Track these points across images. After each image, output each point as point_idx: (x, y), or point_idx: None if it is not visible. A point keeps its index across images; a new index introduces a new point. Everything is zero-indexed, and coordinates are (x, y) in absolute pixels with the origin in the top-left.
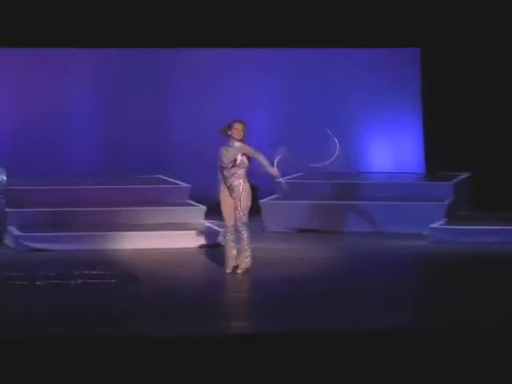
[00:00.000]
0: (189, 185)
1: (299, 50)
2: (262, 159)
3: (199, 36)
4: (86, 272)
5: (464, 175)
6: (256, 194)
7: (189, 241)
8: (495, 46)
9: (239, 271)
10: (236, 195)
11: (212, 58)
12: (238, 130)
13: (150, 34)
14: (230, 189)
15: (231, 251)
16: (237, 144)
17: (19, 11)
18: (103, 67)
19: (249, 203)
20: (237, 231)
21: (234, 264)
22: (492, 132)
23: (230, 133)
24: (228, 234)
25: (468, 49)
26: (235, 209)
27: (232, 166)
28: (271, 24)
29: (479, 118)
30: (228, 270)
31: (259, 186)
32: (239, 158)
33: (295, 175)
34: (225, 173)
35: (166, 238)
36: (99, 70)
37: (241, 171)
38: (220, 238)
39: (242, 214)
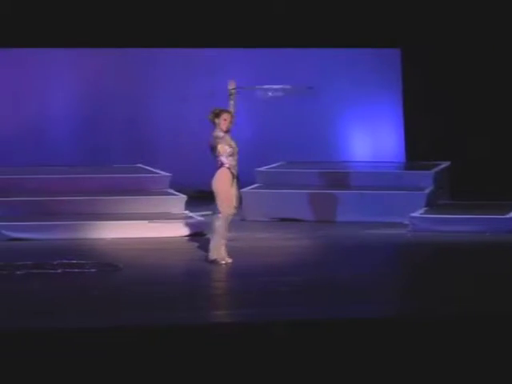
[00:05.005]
0: (169, 174)
1: (279, 50)
2: None
3: (169, 36)
4: (66, 261)
5: (444, 164)
6: (238, 183)
7: (170, 230)
8: (474, 37)
9: (229, 260)
10: (236, 184)
11: (192, 55)
12: (226, 120)
13: (116, 33)
14: (234, 177)
15: (224, 241)
16: (228, 134)
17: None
18: (83, 63)
19: None
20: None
21: (223, 254)
22: (472, 121)
23: (217, 121)
24: (224, 224)
25: (448, 44)
26: (235, 197)
27: (236, 153)
28: (250, 24)
29: (460, 107)
30: (223, 262)
31: (240, 176)
32: (235, 143)
33: (277, 164)
34: (231, 161)
35: (146, 228)
36: (79, 65)
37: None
38: (201, 228)
39: (237, 202)
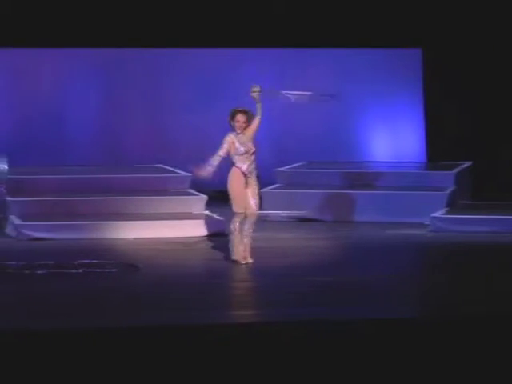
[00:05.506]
0: (189, 174)
1: (297, 50)
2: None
3: (200, 36)
4: (86, 261)
5: (465, 164)
6: (259, 182)
7: (190, 230)
8: (495, 36)
9: (250, 260)
10: (252, 183)
11: (213, 55)
12: (239, 122)
13: (150, 34)
14: (248, 177)
15: (241, 241)
16: (245, 132)
17: (20, 12)
18: (103, 64)
19: None
20: (242, 221)
21: (243, 254)
22: (493, 121)
23: (232, 124)
24: (238, 224)
25: (468, 44)
26: (250, 197)
27: (252, 153)
28: (272, 24)
29: (481, 107)
30: (243, 262)
31: (261, 175)
32: (252, 144)
33: (297, 164)
34: (242, 161)
35: (167, 227)
36: (100, 66)
37: (254, 158)
38: (222, 228)
39: (256, 202)
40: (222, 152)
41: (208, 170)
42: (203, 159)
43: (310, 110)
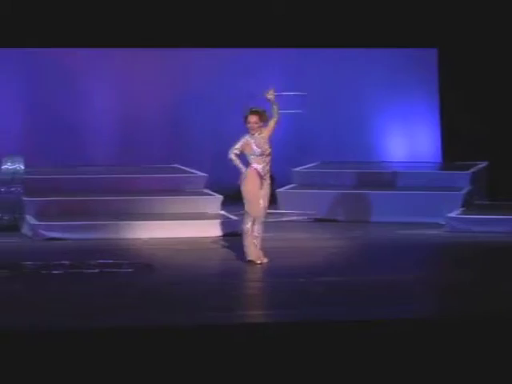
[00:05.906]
0: (205, 174)
1: (314, 50)
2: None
3: (207, 36)
4: (102, 261)
5: (481, 164)
6: (273, 183)
7: (205, 230)
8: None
9: (265, 260)
10: (265, 184)
11: (227, 56)
12: (250, 123)
13: (165, 35)
14: (263, 178)
15: (253, 241)
16: (261, 133)
17: (35, 12)
18: (121, 64)
19: None
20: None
21: (258, 254)
22: (509, 121)
23: (247, 126)
24: (250, 225)
25: (484, 43)
26: (263, 198)
27: (267, 155)
28: (287, 25)
29: (496, 107)
30: (258, 261)
31: (276, 175)
32: (268, 146)
33: (313, 164)
34: (258, 162)
35: (182, 227)
36: (116, 65)
37: (270, 159)
38: (237, 228)
39: (265, 203)
40: (237, 147)
41: (242, 171)
42: (220, 159)
43: (326, 109)
